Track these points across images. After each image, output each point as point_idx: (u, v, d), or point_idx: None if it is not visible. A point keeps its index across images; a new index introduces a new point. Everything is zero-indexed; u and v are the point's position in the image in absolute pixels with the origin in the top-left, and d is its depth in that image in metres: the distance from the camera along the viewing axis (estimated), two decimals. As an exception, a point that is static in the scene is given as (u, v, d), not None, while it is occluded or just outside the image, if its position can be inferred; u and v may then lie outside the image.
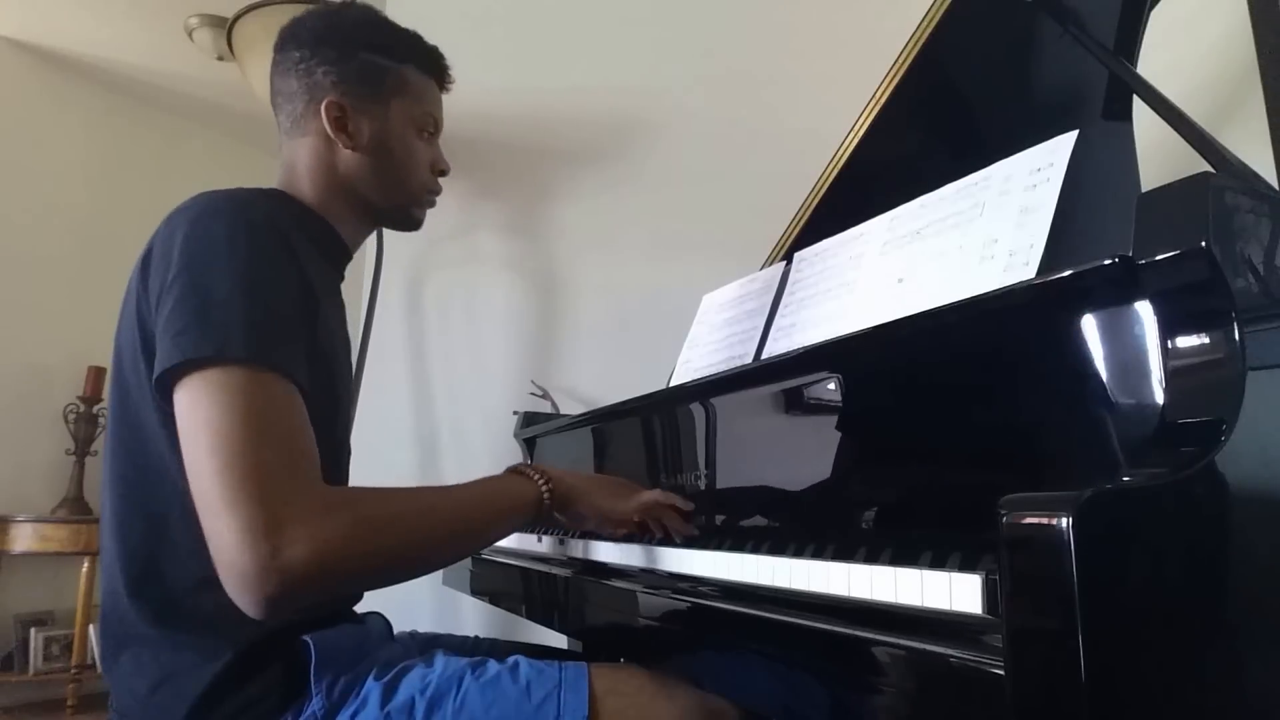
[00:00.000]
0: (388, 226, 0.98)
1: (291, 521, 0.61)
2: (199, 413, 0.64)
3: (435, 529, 0.74)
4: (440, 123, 0.96)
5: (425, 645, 1.00)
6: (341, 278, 0.92)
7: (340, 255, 0.91)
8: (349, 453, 0.92)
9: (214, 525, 0.62)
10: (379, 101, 0.89)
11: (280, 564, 0.60)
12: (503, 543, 1.22)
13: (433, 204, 0.97)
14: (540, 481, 0.82)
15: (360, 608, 0.91)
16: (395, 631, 0.95)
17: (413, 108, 0.91)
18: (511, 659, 0.78)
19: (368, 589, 0.70)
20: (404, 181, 0.92)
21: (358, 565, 0.67)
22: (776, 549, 0.69)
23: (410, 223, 0.97)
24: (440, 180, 0.97)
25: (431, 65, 0.94)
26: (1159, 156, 1.06)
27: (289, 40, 0.89)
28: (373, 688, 0.74)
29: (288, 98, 0.88)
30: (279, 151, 0.91)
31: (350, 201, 0.90)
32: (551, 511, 0.84)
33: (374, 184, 0.90)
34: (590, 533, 0.99)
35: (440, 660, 0.78)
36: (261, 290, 0.69)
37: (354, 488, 0.71)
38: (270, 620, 0.64)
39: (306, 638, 0.73)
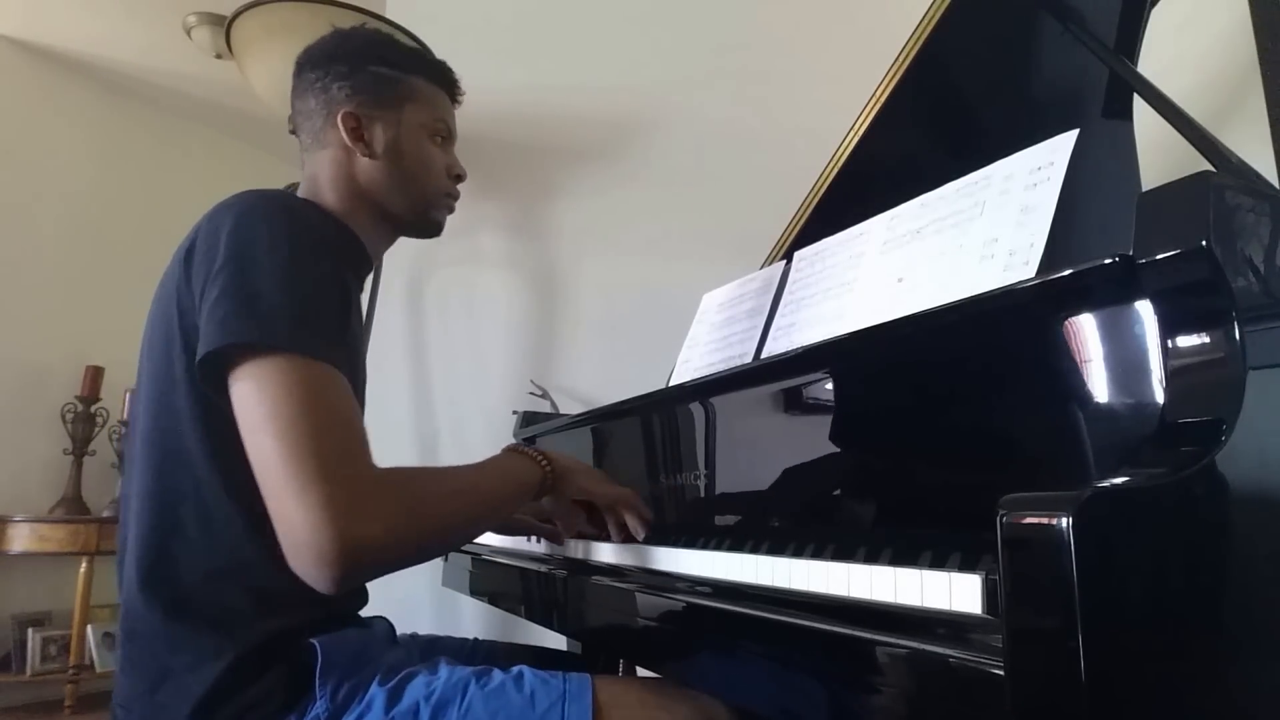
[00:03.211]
0: (410, 234, 1.00)
1: (362, 501, 0.65)
2: (264, 400, 0.67)
3: (472, 507, 0.80)
4: (453, 130, 0.99)
5: (426, 648, 1.00)
6: (362, 288, 0.94)
7: (363, 264, 0.94)
8: None
9: (285, 507, 0.64)
10: (392, 109, 0.92)
11: (354, 541, 0.63)
12: (501, 543, 1.23)
13: (451, 209, 1.00)
14: (542, 461, 0.88)
15: (364, 611, 0.91)
16: (397, 634, 0.95)
17: (424, 113, 0.95)
18: (516, 669, 0.78)
19: (413, 565, 0.73)
20: (421, 186, 0.95)
21: (416, 542, 0.72)
22: (776, 549, 0.69)
23: (431, 228, 1.00)
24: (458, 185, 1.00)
25: (439, 76, 0.98)
26: (1159, 155, 1.06)
27: (304, 65, 0.94)
28: (377, 692, 0.74)
29: (307, 116, 0.93)
30: (301, 169, 0.94)
31: (372, 211, 0.93)
32: (547, 490, 0.88)
33: (392, 189, 0.92)
34: (586, 533, 0.99)
35: (445, 668, 0.78)
36: (305, 287, 0.72)
37: (401, 469, 0.74)
38: (338, 594, 0.66)
39: (314, 640, 0.73)
